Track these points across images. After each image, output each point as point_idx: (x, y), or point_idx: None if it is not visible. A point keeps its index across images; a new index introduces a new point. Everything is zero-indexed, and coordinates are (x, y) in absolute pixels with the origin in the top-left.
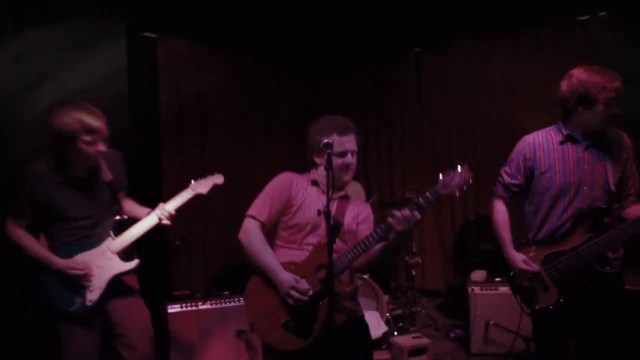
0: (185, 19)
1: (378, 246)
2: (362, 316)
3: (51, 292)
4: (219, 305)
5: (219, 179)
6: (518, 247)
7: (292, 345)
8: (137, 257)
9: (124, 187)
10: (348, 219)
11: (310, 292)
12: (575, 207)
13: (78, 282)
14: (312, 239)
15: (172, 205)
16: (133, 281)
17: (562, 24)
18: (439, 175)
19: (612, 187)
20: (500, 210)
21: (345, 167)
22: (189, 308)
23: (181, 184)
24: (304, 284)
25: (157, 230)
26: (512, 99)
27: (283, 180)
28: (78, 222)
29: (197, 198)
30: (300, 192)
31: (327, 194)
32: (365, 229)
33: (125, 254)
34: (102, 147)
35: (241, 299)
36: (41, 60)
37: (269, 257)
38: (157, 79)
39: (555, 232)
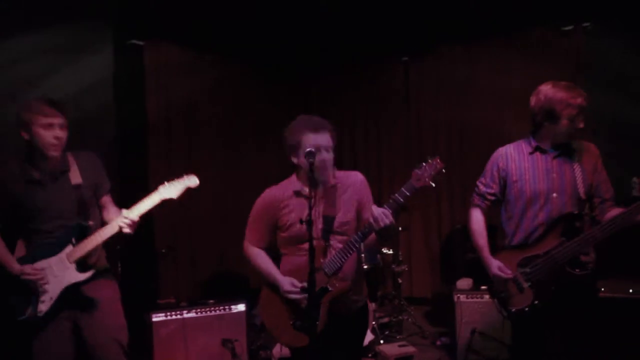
0: (172, 26)
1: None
2: (363, 306)
3: (7, 298)
4: (204, 314)
5: (192, 181)
6: (495, 252)
7: (300, 342)
8: (91, 267)
9: (103, 190)
10: (340, 212)
11: (304, 285)
12: (546, 214)
13: (32, 291)
14: (307, 245)
15: (135, 213)
16: (109, 288)
17: (548, 34)
18: (411, 170)
19: (582, 194)
20: (476, 219)
21: (319, 164)
22: (174, 316)
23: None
24: (299, 284)
25: (143, 237)
26: (500, 106)
27: (265, 202)
28: (46, 225)
29: (172, 203)
30: (286, 207)
31: (309, 202)
32: (368, 209)
33: (84, 263)
34: (59, 132)
35: (227, 307)
36: (28, 67)
37: (265, 265)
38: (144, 85)
39: (529, 237)
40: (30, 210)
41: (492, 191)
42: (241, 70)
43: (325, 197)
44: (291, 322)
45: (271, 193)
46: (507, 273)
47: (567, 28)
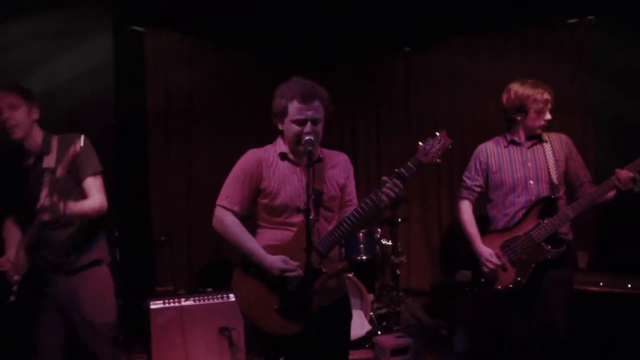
0: (173, 13)
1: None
2: (344, 295)
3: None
4: (201, 302)
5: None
6: (482, 235)
7: (289, 330)
8: (40, 258)
9: (82, 173)
10: (328, 185)
11: (300, 271)
12: (525, 199)
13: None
14: (296, 218)
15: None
16: (98, 281)
17: (551, 27)
18: (418, 144)
19: (555, 180)
20: (465, 211)
21: (304, 136)
22: (172, 304)
23: (168, 178)
24: (292, 263)
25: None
26: (500, 99)
27: (250, 161)
28: (27, 210)
29: (190, 176)
30: (272, 169)
31: (308, 189)
32: (351, 188)
33: (32, 251)
34: (7, 114)
35: (224, 295)
36: (27, 52)
37: (250, 244)
38: (144, 73)
39: (510, 221)
40: (19, 197)
41: (478, 183)
42: (241, 58)
43: (314, 171)
44: (276, 307)
45: (256, 153)
46: (495, 261)
47: (571, 21)
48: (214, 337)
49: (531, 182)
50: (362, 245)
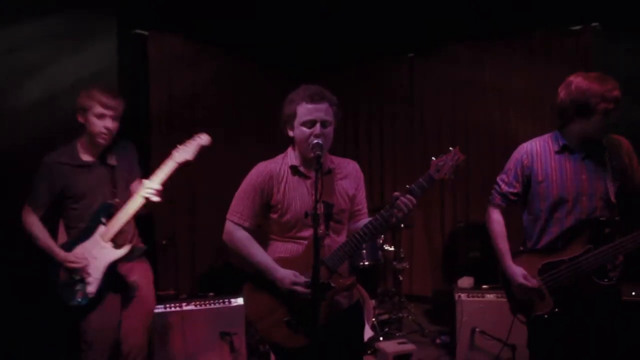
0: (176, 16)
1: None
2: (357, 300)
3: (56, 284)
4: (203, 307)
5: (203, 139)
6: (515, 255)
7: (297, 342)
8: (129, 243)
9: (134, 176)
10: (338, 198)
11: (307, 280)
12: (575, 218)
13: (78, 276)
14: (306, 232)
15: (156, 181)
16: (145, 271)
17: (555, 33)
18: (431, 159)
19: (612, 198)
20: (497, 220)
21: (313, 139)
22: (173, 309)
23: (170, 182)
24: (302, 278)
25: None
26: (504, 106)
27: (261, 176)
28: (90, 209)
29: (193, 181)
30: (282, 185)
31: (315, 195)
32: (361, 198)
33: (119, 241)
34: (110, 123)
35: (226, 300)
36: (31, 55)
37: (262, 257)
38: (147, 76)
39: (555, 242)
40: (78, 195)
41: (516, 191)
42: (244, 62)
43: (324, 181)
44: (285, 320)
45: (267, 167)
46: (533, 283)
47: (575, 28)
48: (215, 342)
49: (584, 198)
50: (364, 251)
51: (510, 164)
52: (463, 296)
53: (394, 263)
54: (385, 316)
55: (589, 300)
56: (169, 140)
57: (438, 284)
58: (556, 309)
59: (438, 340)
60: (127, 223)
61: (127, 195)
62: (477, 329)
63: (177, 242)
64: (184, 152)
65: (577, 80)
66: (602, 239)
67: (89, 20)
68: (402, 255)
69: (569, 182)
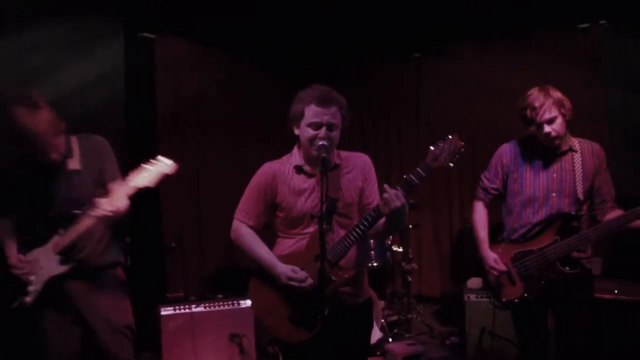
0: (183, 20)
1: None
2: (367, 299)
3: (7, 287)
4: (212, 308)
5: (168, 167)
6: (493, 243)
7: (300, 337)
8: (74, 260)
9: (108, 176)
10: (344, 192)
11: (310, 281)
12: (545, 212)
13: (21, 281)
14: (311, 228)
15: (110, 204)
16: (113, 286)
17: (562, 31)
18: (429, 148)
19: (580, 196)
20: (478, 211)
21: (318, 141)
22: (182, 310)
23: (178, 184)
24: (301, 273)
25: (152, 231)
26: (511, 104)
27: (265, 176)
28: (49, 212)
29: (181, 197)
30: (287, 184)
31: (322, 197)
32: (370, 191)
33: (67, 255)
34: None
35: (235, 302)
36: (39, 58)
37: (263, 252)
38: (154, 79)
39: (527, 234)
40: (32, 199)
41: (495, 186)
42: (251, 64)
43: (329, 176)
44: (289, 315)
45: (271, 167)
46: (501, 267)
47: (583, 25)
48: (224, 343)
49: (553, 194)
50: (373, 252)
51: (492, 161)
52: (472, 297)
53: (403, 264)
54: (394, 317)
55: (558, 286)
56: (176, 143)
57: (447, 285)
58: (525, 294)
59: (447, 341)
60: (84, 237)
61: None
62: (487, 330)
63: (185, 244)
64: (146, 178)
65: (523, 95)
66: (569, 231)
67: (96, 24)
68: (410, 256)
69: (540, 180)
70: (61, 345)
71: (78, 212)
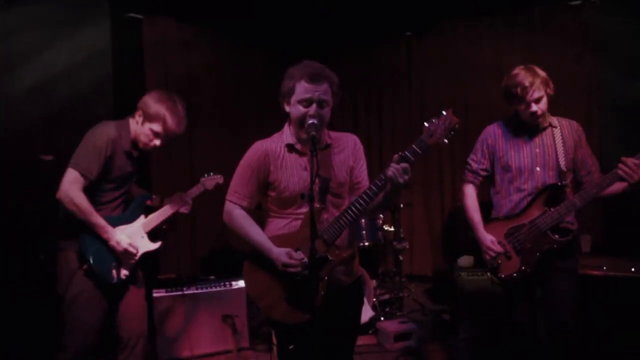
0: (171, 0)
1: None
2: (357, 278)
3: (94, 262)
4: (204, 290)
5: (219, 180)
6: (485, 223)
7: (297, 318)
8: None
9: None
10: (336, 172)
11: (305, 260)
12: (531, 186)
13: (118, 257)
14: (305, 208)
15: (189, 196)
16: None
17: (554, 8)
18: (423, 125)
19: (563, 167)
20: (469, 195)
21: (308, 119)
22: (175, 292)
23: (167, 167)
24: (297, 255)
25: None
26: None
27: (257, 155)
28: (115, 192)
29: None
30: (278, 162)
31: (312, 177)
32: (360, 171)
33: (153, 235)
34: (157, 142)
35: (227, 283)
36: (25, 39)
37: (258, 236)
38: (142, 60)
39: (515, 209)
40: (116, 177)
41: (484, 167)
42: (240, 45)
43: (320, 156)
44: (285, 297)
45: (263, 145)
46: (498, 248)
47: (574, 3)
48: (217, 324)
49: (538, 168)
50: (364, 232)
51: (477, 144)
52: (463, 275)
53: (394, 243)
54: (386, 296)
55: (548, 254)
56: None
57: (438, 264)
58: (523, 267)
59: (439, 319)
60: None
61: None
62: (477, 307)
63: (178, 226)
64: (212, 180)
65: (507, 74)
66: (556, 201)
67: (82, 5)
68: (402, 235)
69: (524, 155)
70: (95, 314)
71: (153, 197)
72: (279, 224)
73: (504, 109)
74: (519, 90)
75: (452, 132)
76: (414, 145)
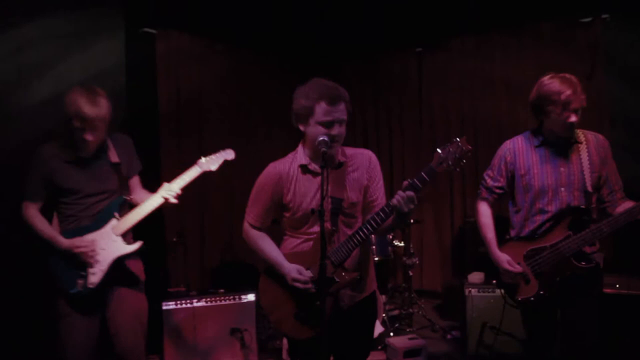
0: (183, 15)
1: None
2: (369, 295)
3: (56, 274)
4: (214, 303)
5: (229, 154)
6: (502, 243)
7: (304, 334)
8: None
9: (134, 171)
10: (348, 192)
11: (314, 278)
12: (555, 207)
13: (81, 263)
14: (317, 228)
15: (177, 184)
16: (139, 272)
17: (564, 25)
18: (436, 150)
19: (589, 188)
20: (483, 212)
21: (330, 140)
22: (184, 305)
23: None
24: (306, 274)
25: (153, 226)
26: (513, 98)
27: (270, 177)
28: (85, 200)
29: (203, 177)
30: (292, 184)
31: (321, 191)
32: (375, 189)
33: (129, 237)
34: (89, 136)
35: (236, 296)
36: (39, 53)
37: (272, 253)
38: (155, 74)
39: (537, 230)
40: (70, 188)
41: (500, 184)
42: (252, 59)
43: (333, 175)
44: (294, 312)
45: (276, 168)
46: (517, 268)
47: (585, 20)
48: (225, 338)
49: (562, 189)
50: (374, 247)
51: (495, 160)
52: (473, 291)
53: (404, 258)
54: (396, 312)
55: (570, 282)
56: (177, 137)
57: (448, 279)
58: (541, 292)
59: (448, 336)
60: (140, 220)
61: (129, 191)
62: (488, 324)
63: (187, 238)
64: (210, 163)
65: (541, 81)
66: (581, 225)
67: (97, 19)
68: (411, 251)
69: (548, 174)
70: (82, 334)
71: (131, 197)
72: (293, 243)
73: (514, 124)
74: (561, 97)
75: (463, 161)
76: (423, 173)
